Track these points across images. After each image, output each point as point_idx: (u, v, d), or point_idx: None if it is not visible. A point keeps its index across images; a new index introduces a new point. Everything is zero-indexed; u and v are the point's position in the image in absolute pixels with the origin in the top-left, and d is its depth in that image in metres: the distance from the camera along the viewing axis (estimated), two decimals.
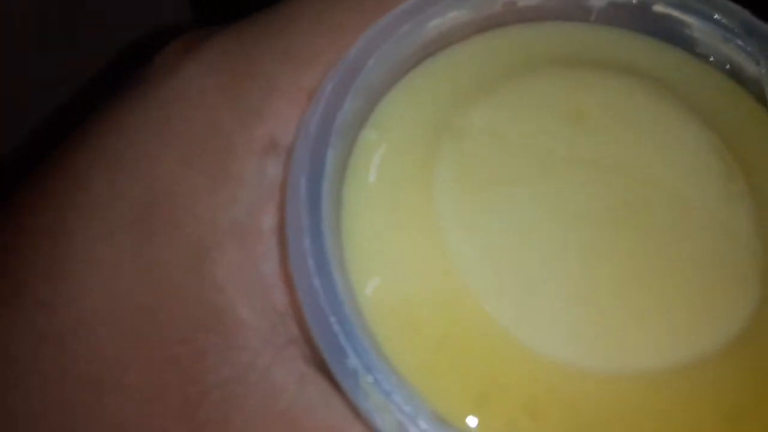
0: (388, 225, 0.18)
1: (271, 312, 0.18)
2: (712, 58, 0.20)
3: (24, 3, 0.27)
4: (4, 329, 0.18)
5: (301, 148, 0.17)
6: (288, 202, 0.16)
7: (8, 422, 0.18)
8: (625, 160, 0.18)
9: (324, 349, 0.15)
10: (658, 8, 0.20)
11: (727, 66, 0.20)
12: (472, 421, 0.15)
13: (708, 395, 0.17)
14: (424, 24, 0.19)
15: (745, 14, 0.19)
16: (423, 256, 0.17)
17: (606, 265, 0.17)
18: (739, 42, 0.19)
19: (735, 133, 0.19)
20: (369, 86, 0.18)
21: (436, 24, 0.19)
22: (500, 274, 0.17)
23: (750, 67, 0.20)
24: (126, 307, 0.18)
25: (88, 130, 0.20)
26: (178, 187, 0.18)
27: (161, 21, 0.30)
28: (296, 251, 0.16)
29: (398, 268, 0.17)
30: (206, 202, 0.18)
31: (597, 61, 0.20)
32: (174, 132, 0.19)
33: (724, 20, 0.19)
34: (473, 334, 0.17)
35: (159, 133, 0.19)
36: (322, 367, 0.17)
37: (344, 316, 0.15)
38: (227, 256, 0.18)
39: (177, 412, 0.17)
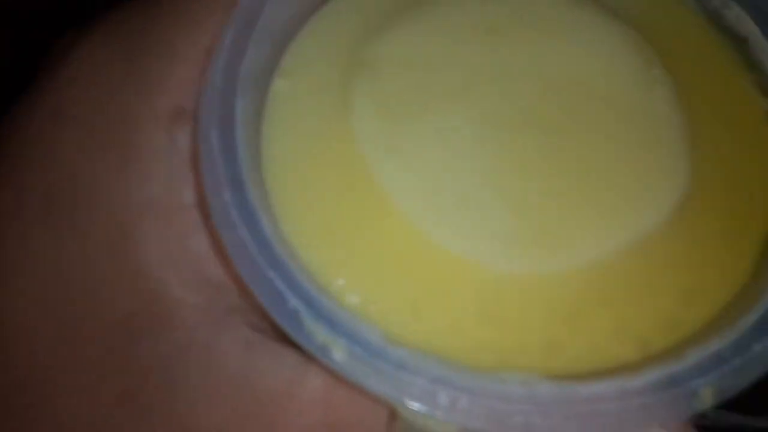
0: (311, 166, 0.17)
1: (206, 285, 0.17)
2: None
3: None
4: None
5: (208, 102, 0.16)
6: (202, 159, 0.16)
7: None
8: (541, 65, 0.18)
9: (261, 297, 0.14)
10: None
11: None
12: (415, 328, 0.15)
13: (655, 273, 0.16)
14: None
15: None
16: (348, 187, 0.17)
17: (534, 168, 0.17)
18: None
19: (651, 24, 0.19)
20: (271, 32, 0.17)
21: None
22: (427, 190, 0.17)
23: None
24: (51, 306, 0.17)
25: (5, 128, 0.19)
26: (83, 174, 0.17)
27: None
28: (218, 205, 0.15)
29: (325, 203, 0.17)
30: (116, 183, 0.17)
31: None
32: (70, 118, 0.18)
33: None
34: (405, 250, 0.16)
35: (55, 123, 0.18)
36: (271, 328, 0.17)
37: (276, 260, 0.15)
38: (150, 236, 0.17)
39: (118, 402, 0.16)
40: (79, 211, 0.17)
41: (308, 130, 0.18)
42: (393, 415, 0.15)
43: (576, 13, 0.19)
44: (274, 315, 0.14)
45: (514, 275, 0.16)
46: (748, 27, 0.19)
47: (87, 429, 0.17)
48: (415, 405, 0.14)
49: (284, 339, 0.16)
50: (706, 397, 0.14)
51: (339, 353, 0.14)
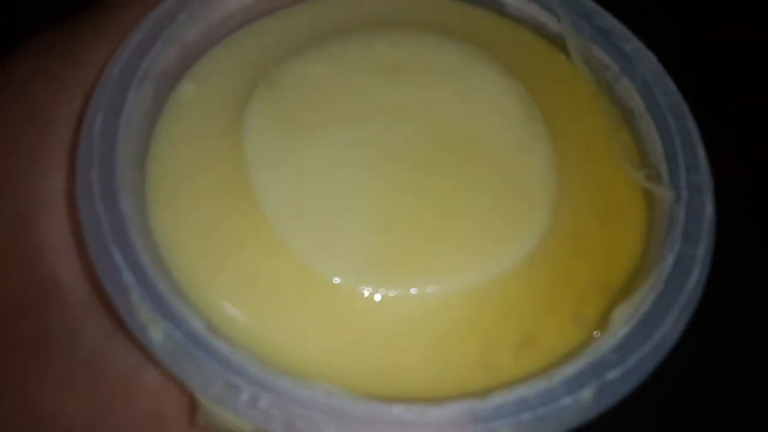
0: (195, 166, 0.18)
1: (93, 277, 0.18)
2: (521, 19, 0.21)
3: None
4: None
5: (100, 90, 0.17)
6: (81, 139, 0.17)
7: None
8: (431, 107, 0.19)
9: (98, 267, 0.15)
10: None
11: (534, 24, 0.21)
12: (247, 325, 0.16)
13: (499, 313, 0.17)
14: None
15: None
16: (224, 190, 0.18)
17: (405, 198, 0.18)
18: (542, 2, 0.21)
19: (539, 82, 0.20)
20: (182, 40, 0.19)
21: None
22: (300, 206, 0.17)
23: (553, 24, 0.21)
24: None
25: None
26: (1, 168, 0.19)
27: None
28: (82, 182, 0.16)
29: (199, 200, 0.17)
30: (27, 176, 0.19)
31: (410, 22, 0.21)
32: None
33: None
34: (268, 261, 0.17)
35: None
36: None
37: (123, 239, 0.15)
38: (49, 224, 0.18)
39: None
40: None
41: (201, 131, 0.19)
42: (195, 405, 0.15)
43: (471, 64, 0.20)
44: (107, 287, 0.15)
45: (364, 299, 0.17)
46: (635, 100, 0.19)
47: None
48: (214, 396, 0.14)
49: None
50: None
51: (156, 334, 0.15)
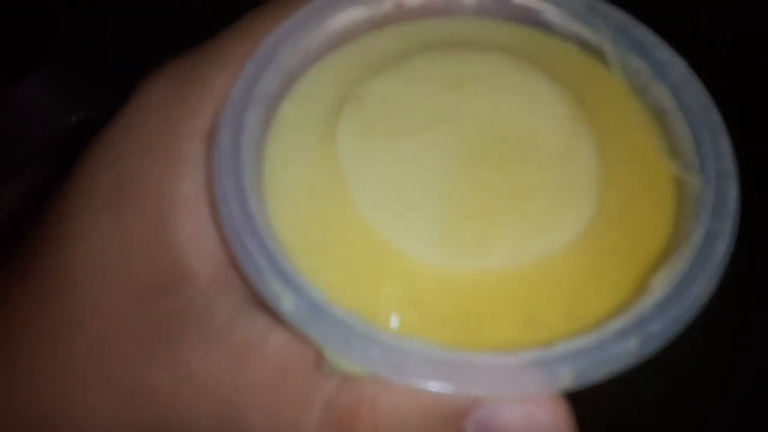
0: (300, 167, 0.22)
1: (217, 262, 0.23)
2: (566, 35, 0.25)
3: None
4: (18, 296, 0.23)
5: (226, 113, 0.22)
6: (214, 153, 0.21)
7: (12, 358, 0.22)
8: (490, 113, 0.23)
9: (238, 255, 0.19)
10: (516, 0, 0.25)
11: (577, 39, 0.25)
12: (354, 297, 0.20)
13: (555, 284, 0.20)
14: (328, 19, 0.24)
15: None
16: (325, 188, 0.22)
17: (474, 188, 0.22)
18: (584, 19, 0.24)
19: (582, 88, 0.24)
20: (284, 68, 0.23)
21: (339, 19, 0.24)
22: (388, 197, 0.21)
23: (594, 38, 0.24)
24: (103, 267, 0.23)
25: (91, 145, 0.25)
26: (139, 175, 0.23)
27: None
28: (220, 186, 0.20)
29: (305, 197, 0.22)
30: (161, 182, 0.23)
31: (472, 43, 0.25)
32: (136, 133, 0.24)
33: (569, 3, 0.24)
34: (363, 244, 0.21)
35: (126, 136, 0.24)
36: (255, 300, 0.22)
37: (253, 230, 0.20)
38: (181, 221, 0.23)
39: (138, 339, 0.22)
40: (133, 202, 0.23)
41: (302, 141, 0.23)
42: (322, 359, 0.19)
43: (523, 75, 0.23)
44: (245, 269, 0.19)
45: (443, 271, 0.21)
46: (667, 100, 0.23)
47: (110, 356, 0.22)
48: (335, 350, 0.18)
49: (263, 307, 0.21)
50: (567, 379, 0.18)
51: (287, 304, 0.19)
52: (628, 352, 0.18)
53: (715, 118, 0.22)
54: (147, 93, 0.24)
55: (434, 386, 0.18)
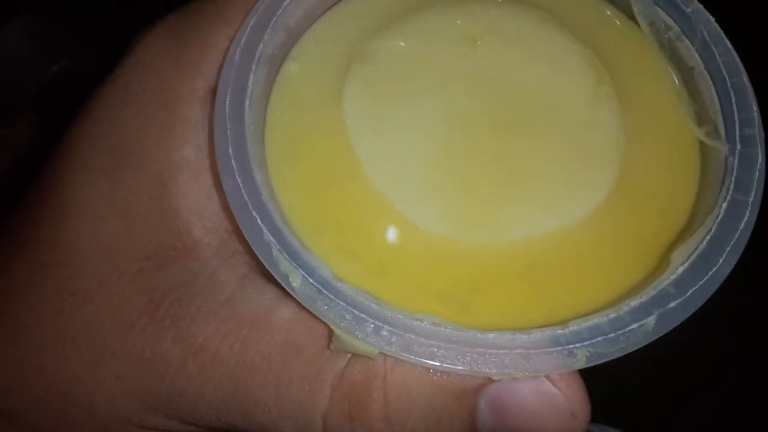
0: (305, 133, 0.21)
1: (222, 231, 0.22)
2: None
3: None
4: (19, 266, 0.23)
5: (226, 72, 0.20)
6: (214, 118, 0.20)
7: (15, 329, 0.22)
8: (506, 73, 0.22)
9: (245, 230, 0.19)
10: None
11: None
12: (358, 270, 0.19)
13: (571, 260, 0.20)
14: None
15: None
16: (332, 154, 0.21)
17: (488, 156, 0.21)
18: None
19: (606, 47, 0.22)
20: (286, 24, 0.22)
21: None
22: (397, 166, 0.20)
23: None
24: (105, 234, 0.22)
25: (87, 104, 0.24)
26: (138, 137, 0.22)
27: None
28: (221, 156, 0.19)
29: (311, 165, 0.21)
30: (161, 145, 0.22)
31: None
32: (132, 93, 0.23)
33: None
34: (373, 215, 0.20)
35: (122, 97, 0.23)
36: (260, 269, 0.21)
37: (260, 204, 0.19)
38: (182, 188, 0.22)
39: (143, 311, 0.21)
40: (132, 165, 0.22)
41: (307, 104, 0.22)
42: (332, 335, 0.19)
43: (542, 31, 0.22)
44: (252, 245, 0.19)
45: (457, 245, 0.20)
46: (695, 59, 0.21)
47: (115, 328, 0.21)
48: (344, 328, 0.18)
49: (271, 279, 0.20)
50: (581, 357, 0.18)
51: (296, 281, 0.18)
52: (644, 331, 0.18)
53: (744, 80, 0.20)
54: (144, 51, 0.23)
55: (446, 366, 0.18)
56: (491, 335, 0.18)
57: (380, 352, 0.18)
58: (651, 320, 0.18)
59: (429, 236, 0.20)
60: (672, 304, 0.18)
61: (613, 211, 0.20)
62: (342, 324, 0.18)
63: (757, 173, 0.19)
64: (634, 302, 0.18)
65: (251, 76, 0.20)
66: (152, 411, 0.21)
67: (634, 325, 0.18)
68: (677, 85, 0.22)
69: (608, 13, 0.23)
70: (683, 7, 0.22)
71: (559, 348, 0.18)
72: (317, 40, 0.23)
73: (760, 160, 0.19)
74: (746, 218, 0.19)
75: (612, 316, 0.18)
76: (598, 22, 0.23)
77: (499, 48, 0.22)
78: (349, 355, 0.19)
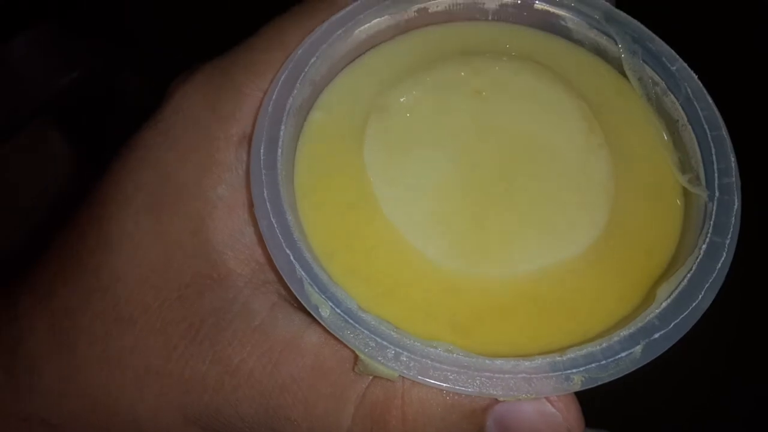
0: (329, 174, 0.24)
1: (253, 263, 0.24)
2: (584, 43, 0.26)
3: None
4: (68, 291, 0.25)
5: (261, 123, 0.23)
6: (251, 167, 0.22)
7: (69, 348, 0.24)
8: (509, 123, 0.24)
9: (279, 267, 0.21)
10: (538, 6, 0.26)
11: (595, 47, 0.25)
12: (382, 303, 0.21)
13: (567, 294, 0.22)
14: (354, 29, 0.25)
15: (606, 5, 0.25)
16: (353, 191, 0.23)
17: (495, 199, 0.23)
18: (602, 28, 0.25)
19: (599, 100, 0.25)
20: (312, 78, 0.24)
21: (364, 29, 0.25)
22: (413, 209, 0.23)
23: (612, 48, 0.25)
24: (147, 266, 0.24)
25: (130, 144, 0.26)
26: (178, 178, 0.25)
27: None
28: (258, 200, 0.22)
29: (333, 201, 0.23)
30: (199, 185, 0.24)
31: (493, 50, 0.26)
32: (173, 138, 0.25)
33: (588, 12, 0.25)
34: (390, 250, 0.22)
35: (163, 140, 0.25)
36: (291, 298, 0.24)
37: (293, 243, 0.21)
38: (218, 223, 0.24)
39: (183, 334, 0.24)
40: (172, 202, 0.24)
41: (331, 150, 0.24)
42: (356, 359, 0.21)
43: (540, 86, 0.25)
44: (287, 280, 0.21)
45: (463, 277, 0.22)
46: (679, 112, 0.24)
47: (158, 350, 0.24)
48: (368, 354, 0.20)
49: (299, 306, 0.22)
50: (577, 381, 0.20)
51: (325, 311, 0.21)
52: (632, 359, 0.20)
53: (723, 133, 0.23)
54: (182, 98, 0.25)
55: (458, 388, 0.20)
56: (498, 361, 0.20)
57: (399, 375, 0.21)
58: (638, 349, 0.20)
59: (444, 271, 0.22)
60: (656, 335, 0.20)
61: (604, 250, 0.23)
62: (366, 350, 0.20)
63: (733, 218, 0.22)
64: (624, 332, 0.21)
65: (282, 127, 0.23)
66: (191, 425, 0.24)
67: (623, 354, 0.20)
68: (664, 136, 0.24)
69: (602, 68, 0.25)
70: (669, 65, 0.24)
71: (557, 373, 0.20)
72: (339, 92, 0.25)
73: (736, 207, 0.22)
74: (723, 258, 0.21)
75: (604, 345, 0.20)
76: (592, 76, 0.25)
77: (502, 100, 0.25)
78: (371, 378, 0.22)
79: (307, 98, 0.24)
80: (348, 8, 0.25)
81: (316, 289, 0.21)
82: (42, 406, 0.24)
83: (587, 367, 0.20)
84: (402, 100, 0.24)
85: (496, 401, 0.21)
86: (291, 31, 0.25)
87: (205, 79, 0.25)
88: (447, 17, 0.26)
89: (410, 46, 0.26)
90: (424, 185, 0.23)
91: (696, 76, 0.24)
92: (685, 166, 0.24)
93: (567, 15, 0.25)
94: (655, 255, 0.23)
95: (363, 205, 0.23)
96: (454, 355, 0.20)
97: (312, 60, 0.24)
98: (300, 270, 0.21)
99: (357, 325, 0.21)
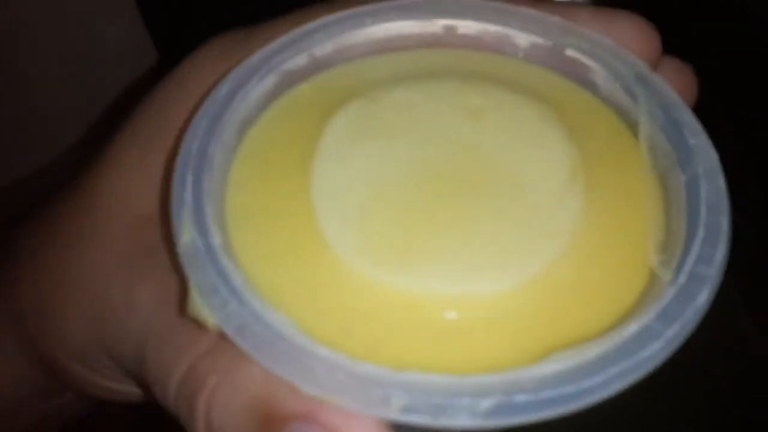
0: (267, 200, 0.21)
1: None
2: (609, 100, 0.23)
3: None
4: (67, 213, 0.27)
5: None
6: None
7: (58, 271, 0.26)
8: (489, 147, 0.21)
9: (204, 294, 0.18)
10: (569, 53, 0.23)
11: (614, 102, 0.22)
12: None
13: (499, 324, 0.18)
14: (372, 25, 0.24)
15: (640, 65, 0.22)
16: (295, 231, 0.20)
17: (449, 217, 0.20)
18: (628, 87, 0.22)
19: (598, 154, 0.21)
20: (318, 57, 0.24)
21: (383, 27, 0.25)
22: (346, 199, 0.20)
23: (631, 107, 0.22)
24: (120, 193, 0.26)
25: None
26: (178, 119, 0.25)
27: None
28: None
29: (270, 234, 0.20)
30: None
31: (506, 81, 0.24)
32: (183, 85, 0.26)
33: (620, 68, 0.22)
34: (333, 277, 0.19)
35: (174, 88, 0.26)
36: None
37: (219, 264, 0.18)
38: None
39: (125, 262, 0.24)
40: (164, 142, 0.25)
41: (300, 117, 0.23)
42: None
43: (540, 122, 0.22)
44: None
45: (421, 300, 0.19)
46: (680, 194, 0.20)
47: (103, 273, 0.24)
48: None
49: None
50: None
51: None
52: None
53: (723, 222, 0.18)
54: (197, 55, 0.27)
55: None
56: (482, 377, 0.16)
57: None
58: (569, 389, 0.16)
59: (411, 297, 0.19)
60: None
61: (537, 294, 0.18)
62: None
63: (689, 311, 0.17)
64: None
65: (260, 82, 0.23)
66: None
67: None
68: (655, 211, 0.20)
69: (616, 127, 0.22)
70: (688, 138, 0.20)
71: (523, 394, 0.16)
72: (342, 72, 0.25)
73: (699, 301, 0.17)
74: (655, 348, 0.16)
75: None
76: (604, 134, 0.22)
77: (492, 126, 0.22)
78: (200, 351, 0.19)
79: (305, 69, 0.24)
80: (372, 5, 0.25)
81: (244, 312, 0.18)
82: None
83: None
84: (391, 93, 0.23)
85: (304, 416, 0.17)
86: (315, 15, 0.25)
87: (222, 41, 0.27)
88: (477, 43, 0.25)
89: (428, 56, 0.25)
90: (370, 179, 0.21)
91: (716, 155, 0.19)
92: (664, 247, 0.19)
93: (596, 67, 0.23)
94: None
95: (306, 239, 0.20)
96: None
97: (317, 35, 0.24)
98: (226, 294, 0.18)
99: (298, 352, 0.17)
